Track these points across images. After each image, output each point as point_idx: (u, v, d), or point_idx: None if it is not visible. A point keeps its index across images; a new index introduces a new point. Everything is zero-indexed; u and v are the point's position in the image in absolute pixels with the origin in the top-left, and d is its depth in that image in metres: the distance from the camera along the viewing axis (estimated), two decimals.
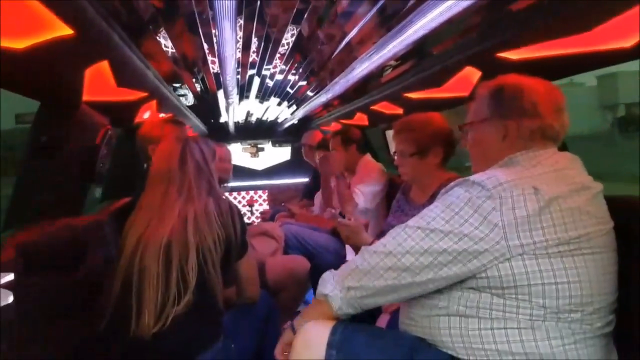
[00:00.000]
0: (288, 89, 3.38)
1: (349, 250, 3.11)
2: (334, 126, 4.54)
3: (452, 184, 1.33)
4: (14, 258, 1.36)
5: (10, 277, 1.25)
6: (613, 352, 1.30)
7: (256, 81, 3.11)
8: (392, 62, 2.30)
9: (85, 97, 1.73)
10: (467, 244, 1.22)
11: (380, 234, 2.34)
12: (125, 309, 1.60)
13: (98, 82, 1.70)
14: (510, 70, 1.43)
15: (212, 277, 1.66)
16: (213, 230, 1.68)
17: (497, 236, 1.19)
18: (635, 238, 1.34)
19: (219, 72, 2.57)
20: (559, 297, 1.19)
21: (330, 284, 1.43)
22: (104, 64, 1.57)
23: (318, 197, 4.08)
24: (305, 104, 3.66)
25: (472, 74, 1.96)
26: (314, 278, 3.17)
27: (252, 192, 5.74)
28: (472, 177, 1.28)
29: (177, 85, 2.92)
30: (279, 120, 5.28)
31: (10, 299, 0.96)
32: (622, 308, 1.30)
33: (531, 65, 1.60)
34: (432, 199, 2.13)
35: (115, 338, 1.62)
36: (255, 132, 5.77)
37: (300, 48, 2.32)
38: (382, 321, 1.81)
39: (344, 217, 2.67)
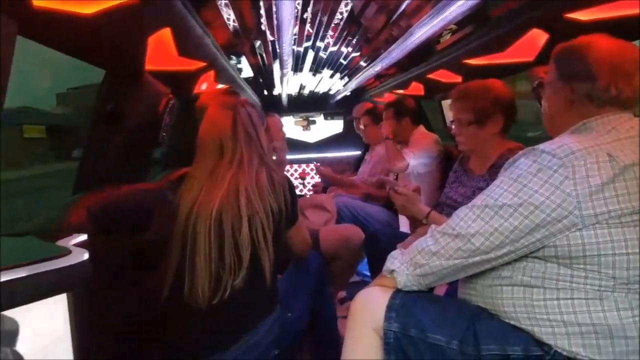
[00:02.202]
0: (341, 60, 3.35)
1: (402, 222, 3.09)
2: (387, 97, 4.47)
3: (518, 154, 1.29)
4: (85, 220, 1.43)
5: (82, 237, 1.31)
6: None
7: (310, 53, 3.09)
8: (452, 27, 2.22)
9: (148, 66, 1.77)
10: (538, 217, 1.18)
11: (437, 206, 2.31)
12: (182, 278, 1.64)
13: (160, 51, 1.73)
14: (580, 32, 1.35)
15: (264, 249, 1.66)
16: (265, 202, 1.67)
17: (570, 206, 1.15)
18: None
19: (275, 42, 2.58)
20: (630, 268, 1.15)
21: (398, 260, 1.43)
22: (166, 32, 1.60)
23: (363, 165, 4.09)
24: (358, 75, 3.62)
25: (538, 36, 1.86)
26: (367, 249, 3.18)
27: (304, 165, 5.77)
28: (541, 146, 1.23)
29: (234, 56, 2.94)
30: (331, 93, 5.25)
31: (86, 256, 1.01)
32: None
33: (602, 27, 1.50)
34: (491, 169, 2.07)
35: (175, 308, 1.66)
36: (308, 105, 5.77)
37: (355, 17, 2.27)
38: (440, 290, 1.79)
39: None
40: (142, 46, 1.56)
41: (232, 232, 1.62)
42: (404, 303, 1.37)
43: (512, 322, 1.26)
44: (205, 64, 2.15)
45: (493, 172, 2.01)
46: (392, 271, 1.43)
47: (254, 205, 1.65)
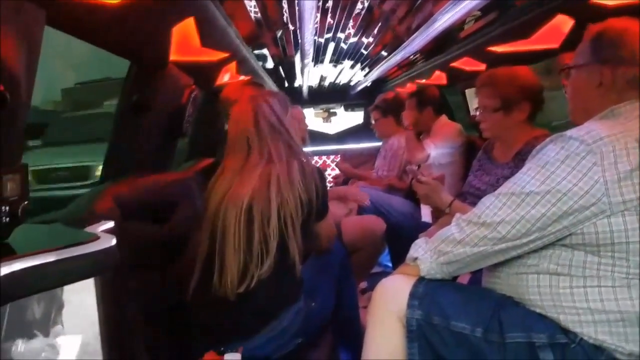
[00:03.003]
0: (362, 50, 3.33)
1: (424, 212, 3.07)
2: (409, 87, 4.43)
3: (546, 140, 1.27)
4: (112, 207, 1.46)
5: (110, 224, 1.34)
6: None
7: (331, 45, 3.08)
8: (475, 14, 2.19)
9: (173, 57, 1.79)
10: (566, 204, 1.16)
11: (460, 195, 2.29)
12: (210, 269, 1.67)
13: (184, 42, 1.75)
14: (606, 18, 1.32)
15: (292, 240, 1.66)
16: (295, 193, 1.67)
17: (599, 192, 1.13)
18: None
19: (297, 33, 2.57)
20: None
21: (422, 248, 1.42)
22: (190, 22, 1.61)
23: (379, 159, 4.07)
24: (379, 65, 3.60)
25: (563, 23, 1.83)
26: (389, 240, 3.18)
27: (324, 157, 5.77)
28: (569, 132, 1.21)
29: (256, 47, 2.95)
30: (352, 84, 5.22)
31: (114, 241, 1.03)
32: None
33: (629, 12, 1.47)
34: (517, 157, 2.04)
35: (202, 295, 1.69)
36: (328, 96, 5.76)
37: (376, 6, 2.26)
38: (463, 279, 1.78)
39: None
40: (167, 36, 1.58)
41: (261, 223, 1.64)
42: (427, 291, 1.36)
43: (538, 310, 1.25)
44: (227, 54, 2.16)
45: (518, 160, 1.99)
46: (416, 259, 1.42)
47: (284, 195, 1.66)
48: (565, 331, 1.21)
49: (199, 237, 1.71)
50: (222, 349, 1.59)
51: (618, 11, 1.51)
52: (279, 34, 2.74)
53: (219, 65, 2.29)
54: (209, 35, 1.82)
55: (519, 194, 1.23)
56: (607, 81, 1.29)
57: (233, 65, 2.46)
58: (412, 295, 1.36)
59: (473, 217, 1.31)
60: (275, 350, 1.71)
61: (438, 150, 3.08)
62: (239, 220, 1.64)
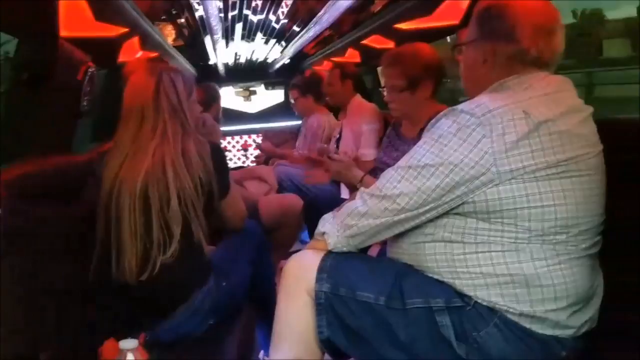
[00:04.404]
0: (274, 24, 3.28)
1: (343, 189, 3.11)
2: (326, 65, 4.45)
3: (439, 115, 1.31)
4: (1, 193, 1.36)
5: None
6: (598, 272, 1.32)
7: (239, 22, 3.00)
8: None
9: (64, 32, 1.67)
10: (458, 175, 1.21)
11: (372, 172, 2.34)
12: (108, 253, 1.60)
13: (75, 16, 1.64)
14: None
15: (196, 223, 1.62)
16: (194, 175, 1.62)
17: (488, 163, 1.19)
18: (623, 160, 1.34)
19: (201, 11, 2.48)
20: (544, 220, 1.20)
21: (329, 223, 1.45)
22: None
23: (300, 138, 4.09)
24: (293, 41, 3.57)
25: None
26: (308, 218, 3.21)
27: (246, 137, 5.69)
28: (459, 106, 1.26)
29: (162, 23, 2.82)
30: (269, 61, 5.16)
31: None
32: (608, 230, 1.31)
33: None
34: (421, 132, 2.09)
35: (102, 280, 1.62)
36: (247, 74, 5.65)
37: None
38: (373, 251, 1.84)
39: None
40: (51, 9, 1.47)
41: (159, 208, 1.58)
42: (334, 264, 1.39)
43: (436, 277, 1.30)
44: (127, 30, 2.05)
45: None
46: (324, 233, 1.45)
47: (182, 179, 1.60)
48: (461, 295, 1.27)
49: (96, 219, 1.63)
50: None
51: None
52: (184, 13, 2.63)
53: (119, 41, 2.17)
54: (103, 10, 1.72)
55: (415, 167, 1.27)
56: (489, 58, 1.35)
57: (136, 41, 2.35)
58: (321, 270, 1.38)
59: (375, 191, 1.34)
60: (187, 332, 1.68)
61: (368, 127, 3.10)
62: (134, 204, 1.57)
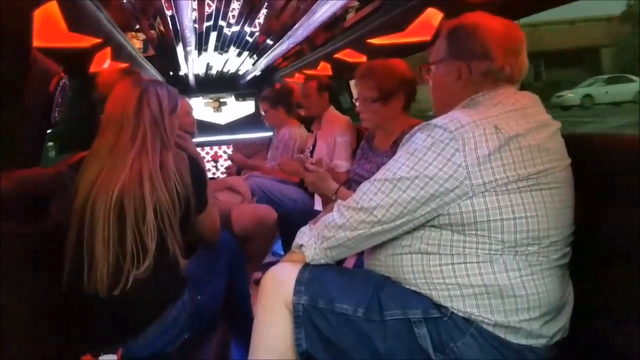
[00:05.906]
0: (247, 37, 3.29)
1: (317, 200, 3.13)
2: (298, 77, 4.47)
3: (414, 129, 1.34)
4: None
5: None
6: (569, 282, 1.37)
7: (213, 33, 3.01)
8: (355, 4, 2.25)
9: (37, 42, 1.63)
10: (432, 188, 1.25)
11: (346, 182, 2.37)
12: (80, 264, 1.56)
13: (49, 26, 1.61)
14: (473, 11, 1.41)
15: (171, 237, 1.60)
16: (171, 190, 1.60)
17: (461, 176, 1.22)
18: (590, 174, 1.39)
19: (175, 19, 2.48)
20: (517, 232, 1.24)
21: (306, 235, 1.47)
22: (53, 5, 1.48)
23: (271, 150, 4.09)
24: (266, 54, 3.58)
25: (433, 16, 1.94)
26: (281, 229, 3.21)
27: (216, 148, 5.65)
28: (434, 121, 1.30)
29: (134, 33, 2.79)
30: (241, 73, 5.15)
31: None
32: (578, 241, 1.36)
33: (495, 5, 1.59)
34: (394, 145, 2.15)
35: (74, 293, 1.58)
36: (217, 85, 5.62)
37: None
38: (349, 263, 1.85)
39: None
40: (27, 21, 1.43)
41: (134, 221, 1.55)
42: (312, 276, 1.40)
43: (413, 288, 1.33)
44: (100, 40, 2.03)
45: (396, 148, 2.07)
46: (301, 246, 1.46)
47: (159, 193, 1.58)
48: (438, 306, 1.29)
49: (68, 231, 1.60)
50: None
51: (484, 5, 1.62)
52: (157, 22, 2.61)
53: (91, 52, 2.14)
54: (77, 20, 1.69)
55: (392, 180, 1.30)
56: (464, 75, 1.40)
57: (108, 50, 2.31)
58: (298, 282, 1.39)
59: (352, 203, 1.36)
60: (162, 347, 1.66)
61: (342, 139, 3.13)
62: (108, 214, 1.54)
